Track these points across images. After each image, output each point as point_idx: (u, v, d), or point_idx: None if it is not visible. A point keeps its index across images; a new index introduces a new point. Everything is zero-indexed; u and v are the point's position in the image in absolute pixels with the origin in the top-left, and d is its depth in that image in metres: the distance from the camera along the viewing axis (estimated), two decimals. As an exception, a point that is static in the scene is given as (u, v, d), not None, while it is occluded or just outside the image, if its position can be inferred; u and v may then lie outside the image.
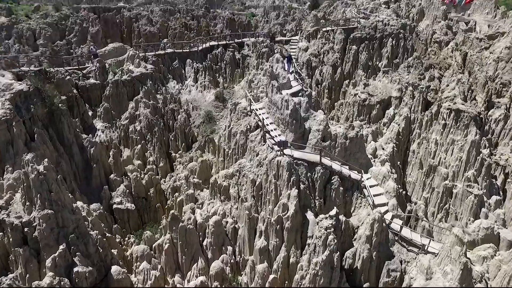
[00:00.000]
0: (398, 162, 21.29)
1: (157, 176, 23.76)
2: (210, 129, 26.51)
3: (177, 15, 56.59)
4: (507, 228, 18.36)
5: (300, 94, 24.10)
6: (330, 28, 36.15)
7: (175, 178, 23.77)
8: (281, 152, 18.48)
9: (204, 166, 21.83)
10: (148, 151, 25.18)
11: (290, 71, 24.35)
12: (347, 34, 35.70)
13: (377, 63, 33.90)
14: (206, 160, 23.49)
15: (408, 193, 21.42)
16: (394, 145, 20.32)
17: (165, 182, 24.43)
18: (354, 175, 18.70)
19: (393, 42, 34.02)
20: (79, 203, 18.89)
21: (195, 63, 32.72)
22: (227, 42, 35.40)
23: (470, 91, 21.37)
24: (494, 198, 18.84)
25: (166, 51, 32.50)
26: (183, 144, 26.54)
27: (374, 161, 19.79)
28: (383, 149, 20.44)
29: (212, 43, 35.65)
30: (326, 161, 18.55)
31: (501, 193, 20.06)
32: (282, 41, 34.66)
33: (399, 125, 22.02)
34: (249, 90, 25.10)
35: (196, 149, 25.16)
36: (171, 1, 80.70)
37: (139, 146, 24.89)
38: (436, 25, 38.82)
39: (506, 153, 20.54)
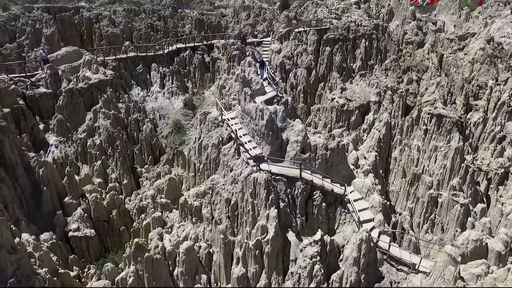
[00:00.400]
0: (381, 171, 20.04)
1: (120, 196, 21.15)
2: (179, 140, 24.16)
3: (142, 16, 53.36)
4: (493, 237, 17.49)
5: (275, 100, 22.34)
6: (303, 29, 34.71)
7: (141, 196, 21.28)
8: (258, 168, 16.60)
9: (172, 184, 19.53)
10: (110, 167, 22.48)
11: (264, 77, 22.55)
12: (320, 35, 34.40)
13: (351, 64, 32.87)
14: (175, 177, 21.18)
15: (391, 203, 20.24)
16: (376, 153, 19.01)
17: (130, 201, 21.86)
18: (337, 189, 17.15)
19: (366, 43, 33.10)
20: (25, 236, 16.08)
21: (161, 67, 30.15)
22: (195, 44, 33.04)
23: (450, 95, 20.49)
24: (480, 206, 17.96)
25: (128, 55, 29.68)
26: (150, 157, 24.04)
27: (356, 171, 18.36)
28: (365, 158, 19.08)
29: (179, 45, 33.18)
30: (306, 175, 16.87)
31: (484, 199, 19.28)
32: (253, 42, 32.81)
33: (379, 131, 20.77)
34: (220, 97, 23.03)
35: (164, 163, 22.75)
36: (136, 1, 76.79)
37: (99, 162, 22.15)
38: (406, 25, 38.42)
39: (487, 157, 19.80)
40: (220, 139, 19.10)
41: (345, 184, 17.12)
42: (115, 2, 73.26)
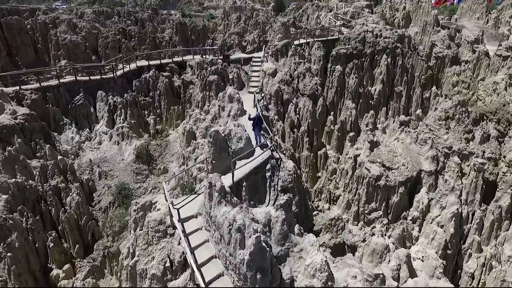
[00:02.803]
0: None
1: None
2: (120, 222, 14.93)
3: (115, 19, 43.62)
4: None
5: (268, 166, 13.25)
6: (304, 41, 25.48)
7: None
8: None
9: None
10: (0, 278, 13.23)
11: (260, 142, 13.40)
12: (327, 48, 25.25)
13: (369, 88, 23.84)
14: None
15: None
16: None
17: (31, 336, 12.69)
18: None
19: (388, 60, 24.07)
20: None
21: (111, 96, 20.77)
22: (161, 61, 23.66)
23: None
24: None
25: (62, 80, 20.17)
26: (77, 247, 14.86)
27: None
28: (429, 291, 10.20)
29: (142, 63, 23.82)
30: None
31: None
32: (239, 60, 23.45)
33: (443, 227, 11.86)
34: (179, 164, 13.77)
35: (87, 272, 13.55)
36: (117, 1, 66.92)
37: (-20, 271, 12.89)
38: (434, 34, 29.35)
39: None
40: (168, 263, 9.94)
41: None
42: (95, 3, 63.46)
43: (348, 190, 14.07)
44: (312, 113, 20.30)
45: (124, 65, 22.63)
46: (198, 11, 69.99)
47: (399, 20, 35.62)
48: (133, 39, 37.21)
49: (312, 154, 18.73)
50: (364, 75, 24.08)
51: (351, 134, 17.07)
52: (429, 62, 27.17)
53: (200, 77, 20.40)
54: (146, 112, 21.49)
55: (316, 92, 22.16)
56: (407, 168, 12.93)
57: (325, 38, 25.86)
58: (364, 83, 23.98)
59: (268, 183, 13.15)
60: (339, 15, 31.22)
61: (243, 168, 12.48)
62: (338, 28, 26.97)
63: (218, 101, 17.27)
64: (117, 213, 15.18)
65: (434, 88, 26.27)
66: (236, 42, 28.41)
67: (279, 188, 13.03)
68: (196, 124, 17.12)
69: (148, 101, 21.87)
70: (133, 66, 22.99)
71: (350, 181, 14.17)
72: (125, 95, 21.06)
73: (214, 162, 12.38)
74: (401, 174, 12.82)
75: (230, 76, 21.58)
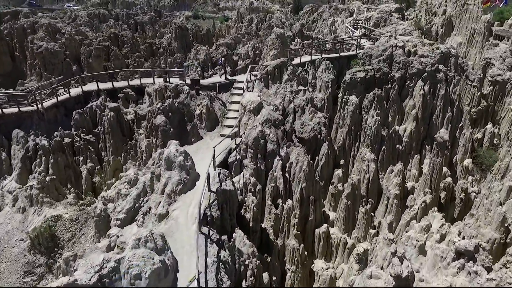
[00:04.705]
0: None
1: None
2: None
3: (110, 22, 37.83)
4: None
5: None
6: (309, 58, 17.99)
7: None
8: None
9: None
10: None
11: None
12: (339, 68, 17.75)
13: (397, 127, 16.19)
14: None
15: None
16: None
17: None
18: None
19: (426, 88, 16.28)
20: None
21: (32, 136, 14.54)
22: (114, 85, 17.13)
23: None
24: None
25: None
26: None
27: None
28: None
29: (90, 86, 17.40)
30: None
31: None
32: (214, 86, 16.37)
33: None
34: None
35: None
36: (130, 1, 61.84)
37: None
38: (490, 50, 20.88)
39: None
40: None
41: None
42: (108, 4, 58.67)
43: None
44: (308, 174, 13.02)
45: (65, 90, 16.35)
46: (213, 12, 63.42)
47: (437, 28, 27.16)
48: (126, 45, 31.27)
49: (302, 245, 11.54)
50: (389, 108, 16.46)
51: (351, 181, 9.58)
52: (482, 89, 19.02)
53: (148, 115, 13.68)
54: (83, 156, 15.10)
55: (319, 136, 14.88)
56: None
57: (338, 55, 18.30)
58: (390, 119, 16.38)
59: None
60: (359, 22, 23.26)
61: None
62: (356, 40, 19.24)
63: (153, 164, 10.51)
64: None
65: (489, 125, 18.21)
66: (224, 53, 21.40)
67: None
68: (116, 202, 10.46)
69: (90, 141, 15.46)
70: (77, 91, 16.66)
71: None
72: (56, 132, 14.81)
73: None
74: None
75: (197, 112, 14.75)
